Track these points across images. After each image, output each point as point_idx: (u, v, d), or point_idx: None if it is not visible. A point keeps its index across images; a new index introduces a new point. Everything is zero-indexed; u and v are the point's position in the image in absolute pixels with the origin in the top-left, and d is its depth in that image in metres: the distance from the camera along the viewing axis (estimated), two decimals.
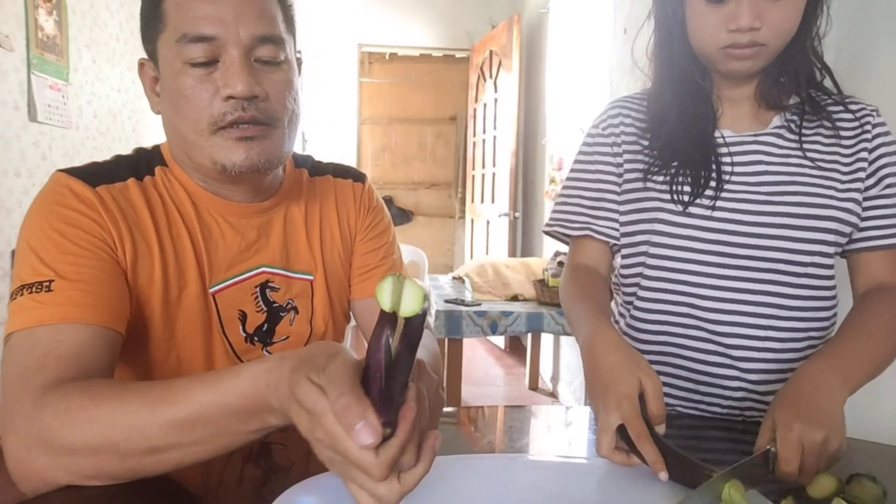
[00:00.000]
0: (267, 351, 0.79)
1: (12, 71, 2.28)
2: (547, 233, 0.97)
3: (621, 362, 0.65)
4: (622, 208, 0.89)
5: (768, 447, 0.61)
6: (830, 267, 0.83)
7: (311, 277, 0.83)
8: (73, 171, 0.69)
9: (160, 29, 0.69)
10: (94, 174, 0.70)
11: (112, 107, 3.02)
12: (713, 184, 0.82)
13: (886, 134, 0.84)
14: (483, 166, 4.52)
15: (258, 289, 0.78)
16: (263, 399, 0.49)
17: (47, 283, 0.61)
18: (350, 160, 4.87)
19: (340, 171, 0.91)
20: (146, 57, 0.74)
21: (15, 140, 2.31)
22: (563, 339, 3.27)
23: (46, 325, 0.59)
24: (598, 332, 0.71)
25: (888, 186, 0.82)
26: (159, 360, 0.73)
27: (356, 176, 0.92)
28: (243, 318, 0.77)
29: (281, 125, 0.72)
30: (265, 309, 0.79)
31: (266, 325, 0.79)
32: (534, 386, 3.50)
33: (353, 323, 0.94)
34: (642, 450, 0.59)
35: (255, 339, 0.78)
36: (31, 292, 0.61)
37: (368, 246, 0.89)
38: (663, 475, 0.57)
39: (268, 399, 0.49)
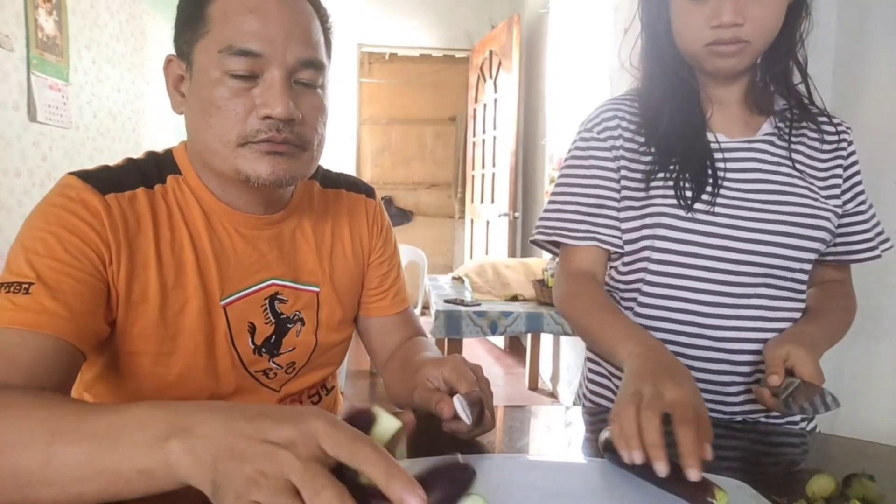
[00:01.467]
0: (274, 362, 0.79)
1: (12, 71, 2.28)
2: (538, 241, 0.93)
3: (688, 382, 0.61)
4: (622, 214, 0.87)
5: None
6: (809, 271, 0.87)
7: (318, 289, 0.83)
8: (84, 176, 0.68)
9: (201, 33, 0.68)
10: (106, 181, 0.69)
11: (112, 107, 3.02)
12: (709, 189, 0.83)
13: (855, 153, 0.89)
14: (483, 166, 4.52)
15: (267, 301, 0.78)
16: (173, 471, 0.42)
17: (27, 286, 0.60)
18: (350, 160, 4.87)
19: (352, 186, 0.92)
20: (174, 53, 0.73)
21: (15, 140, 2.31)
22: (563, 339, 3.27)
23: (13, 328, 0.58)
24: (650, 340, 0.72)
25: (860, 204, 0.88)
26: (158, 376, 0.71)
27: (368, 192, 0.93)
28: (252, 329, 0.76)
29: (311, 148, 0.73)
30: (273, 321, 0.78)
31: (274, 336, 0.78)
32: (533, 386, 3.50)
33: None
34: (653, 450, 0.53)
35: (263, 350, 0.78)
36: (9, 292, 0.60)
37: (382, 268, 0.91)
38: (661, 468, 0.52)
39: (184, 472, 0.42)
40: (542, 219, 0.92)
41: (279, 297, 0.79)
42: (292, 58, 0.68)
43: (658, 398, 0.56)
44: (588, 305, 0.83)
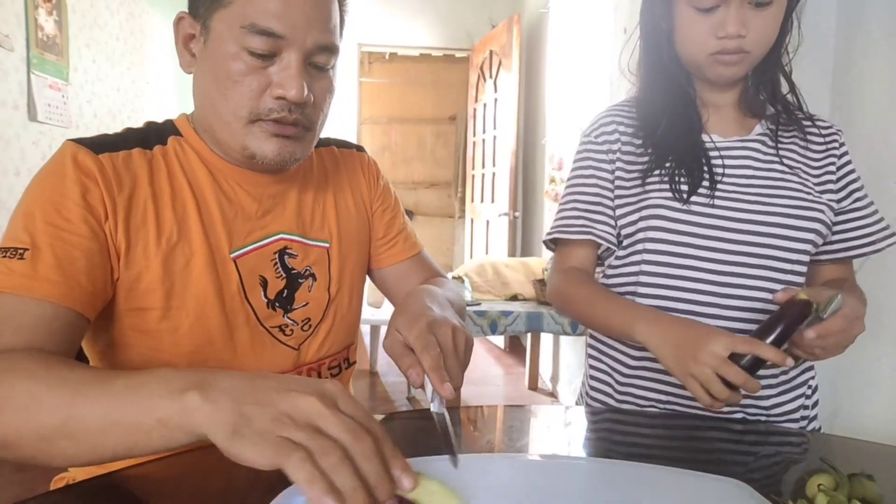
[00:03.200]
0: (289, 318, 0.80)
1: (12, 70, 2.28)
2: (549, 241, 0.98)
3: (706, 329, 0.74)
4: (619, 212, 0.91)
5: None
6: (807, 264, 0.89)
7: (328, 245, 0.85)
8: (80, 140, 0.70)
9: (223, 3, 0.69)
10: (100, 143, 0.71)
11: (112, 106, 3.03)
12: (706, 183, 0.86)
13: (848, 154, 0.92)
14: (483, 166, 4.52)
15: (277, 255, 0.79)
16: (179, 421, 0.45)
17: (21, 251, 0.62)
18: None
19: (341, 143, 0.95)
20: (186, 11, 0.74)
21: (15, 139, 2.32)
22: (563, 338, 3.27)
23: (8, 294, 0.60)
24: (661, 315, 0.80)
25: (856, 200, 0.91)
26: (168, 331, 0.72)
27: (357, 147, 0.96)
28: (264, 283, 0.78)
29: (315, 128, 0.76)
30: (284, 275, 0.80)
31: (286, 291, 0.80)
32: (533, 386, 3.50)
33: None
34: (762, 352, 0.67)
35: (276, 304, 0.79)
36: (4, 256, 0.62)
37: (386, 216, 0.94)
38: (789, 361, 0.67)
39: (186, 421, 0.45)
40: (553, 222, 0.97)
41: (288, 251, 0.80)
42: (311, 42, 0.69)
43: (702, 364, 0.70)
44: (588, 295, 0.89)
